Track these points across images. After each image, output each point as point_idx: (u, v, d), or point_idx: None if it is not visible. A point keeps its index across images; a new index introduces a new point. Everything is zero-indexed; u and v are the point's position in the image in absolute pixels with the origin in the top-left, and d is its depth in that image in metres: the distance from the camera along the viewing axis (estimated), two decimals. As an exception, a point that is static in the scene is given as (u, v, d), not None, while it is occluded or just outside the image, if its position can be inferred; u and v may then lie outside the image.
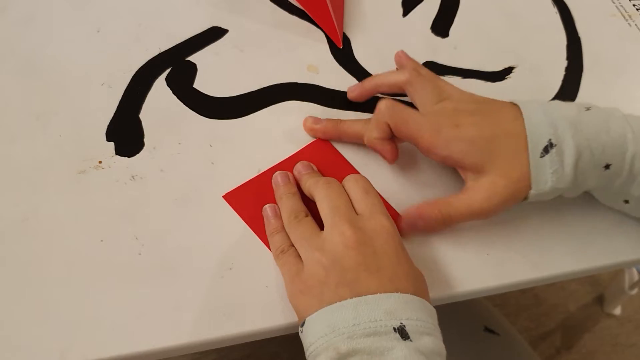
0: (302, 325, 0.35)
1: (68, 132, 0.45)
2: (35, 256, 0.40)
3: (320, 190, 0.39)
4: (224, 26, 0.53)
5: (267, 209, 0.42)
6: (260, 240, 0.41)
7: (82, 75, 0.48)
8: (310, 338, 0.34)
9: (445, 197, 0.40)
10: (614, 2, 0.59)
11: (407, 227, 0.41)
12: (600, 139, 0.38)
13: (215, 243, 0.41)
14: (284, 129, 0.47)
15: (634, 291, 1.08)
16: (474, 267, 0.42)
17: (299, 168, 0.43)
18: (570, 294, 1.15)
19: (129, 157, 0.44)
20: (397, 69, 0.47)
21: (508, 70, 0.52)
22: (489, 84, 0.51)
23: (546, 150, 0.38)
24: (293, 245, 0.39)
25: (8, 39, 0.50)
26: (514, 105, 0.40)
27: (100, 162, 0.44)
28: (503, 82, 0.51)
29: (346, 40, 0.53)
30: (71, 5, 0.53)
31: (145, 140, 0.45)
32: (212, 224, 0.42)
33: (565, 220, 0.44)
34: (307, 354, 0.34)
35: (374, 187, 0.40)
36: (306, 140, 0.46)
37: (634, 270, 1.07)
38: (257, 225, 0.42)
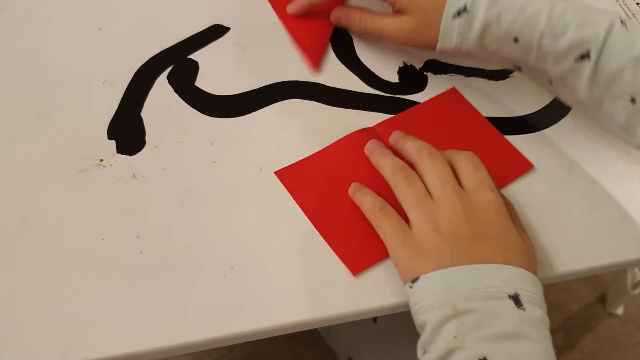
0: (415, 281, 0.36)
1: (69, 130, 0.45)
2: (36, 255, 0.40)
3: (425, 161, 0.40)
4: (225, 24, 0.52)
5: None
6: (310, 222, 0.42)
7: (84, 73, 0.48)
8: (423, 293, 0.36)
9: (373, 13, 0.50)
10: (617, 1, 0.58)
11: (333, 17, 0.52)
12: (512, 13, 0.42)
13: (216, 242, 0.41)
14: (285, 127, 0.47)
15: (637, 291, 1.08)
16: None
17: (395, 136, 0.44)
18: (572, 293, 1.15)
19: (130, 155, 0.44)
20: None
21: (510, 69, 0.52)
22: (492, 82, 0.51)
23: (459, 13, 0.43)
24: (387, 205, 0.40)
25: (9, 37, 0.50)
26: None
27: (101, 160, 0.44)
28: (506, 80, 0.51)
29: (348, 38, 0.53)
30: (72, 2, 0.53)
31: (147, 138, 0.45)
32: (213, 223, 0.42)
33: (567, 220, 0.44)
34: (414, 307, 0.36)
35: (483, 165, 0.40)
36: (308, 138, 0.46)
37: (637, 270, 1.07)
38: (308, 205, 0.42)
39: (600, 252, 0.43)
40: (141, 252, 0.40)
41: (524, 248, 0.38)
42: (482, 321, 0.33)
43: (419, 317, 0.35)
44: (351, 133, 0.46)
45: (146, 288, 0.39)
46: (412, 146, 0.42)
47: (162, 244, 0.40)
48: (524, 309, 0.34)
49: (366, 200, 0.41)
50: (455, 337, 0.33)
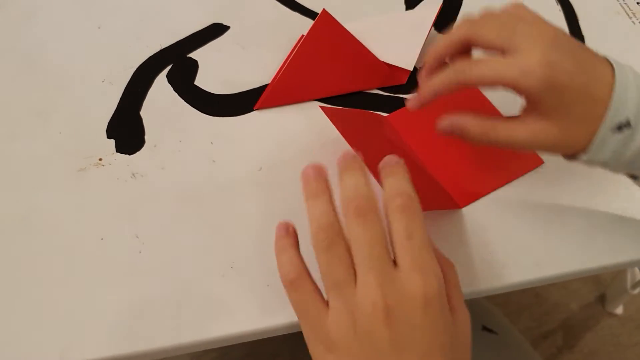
0: None
1: (68, 129, 0.45)
2: (35, 254, 0.39)
3: (354, 224, 0.33)
4: (225, 23, 0.52)
5: (279, 227, 0.35)
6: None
7: (83, 72, 0.48)
8: None
9: (494, 120, 0.39)
10: (617, 0, 0.58)
11: (444, 130, 0.40)
12: None
13: (216, 241, 0.41)
14: (285, 127, 0.47)
15: (636, 290, 1.08)
16: (477, 267, 0.41)
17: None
18: (571, 293, 1.15)
19: (129, 154, 0.44)
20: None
21: (511, 68, 0.52)
22: (492, 82, 0.51)
23: (620, 128, 0.36)
24: (305, 269, 0.34)
25: (8, 35, 0.50)
26: (608, 64, 0.38)
27: (100, 159, 0.44)
28: (506, 80, 0.51)
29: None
30: (72, 1, 0.53)
31: (146, 137, 0.45)
32: (212, 222, 0.41)
33: (568, 220, 0.44)
34: None
35: (421, 223, 0.33)
36: (309, 138, 0.46)
37: (636, 270, 1.07)
38: (353, 140, 0.40)
39: (600, 252, 0.43)
40: (140, 252, 0.40)
41: (452, 341, 0.33)
42: None
43: None
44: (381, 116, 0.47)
45: (145, 288, 0.39)
46: (346, 189, 0.34)
47: (161, 244, 0.40)
48: None
49: (281, 262, 0.34)
50: None
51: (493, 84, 0.37)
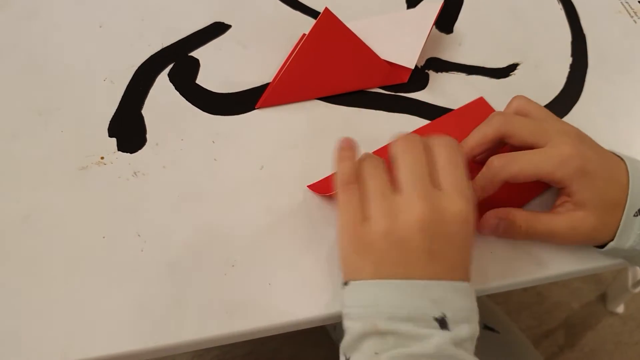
0: (347, 284, 0.35)
1: (70, 128, 0.45)
2: (36, 253, 0.39)
3: (399, 145, 0.37)
4: (226, 21, 0.52)
5: (344, 140, 0.39)
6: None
7: (85, 71, 0.48)
8: (351, 301, 0.35)
9: (536, 212, 0.41)
10: (619, -1, 0.58)
11: (488, 226, 0.41)
12: None
13: (217, 240, 0.41)
14: (286, 125, 0.47)
15: (637, 289, 1.08)
16: (478, 265, 0.41)
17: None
18: (573, 291, 1.15)
19: (131, 153, 0.44)
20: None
21: (512, 67, 0.52)
22: (494, 80, 0.51)
23: None
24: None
25: (10, 34, 0.50)
26: (615, 154, 0.41)
27: (102, 158, 0.44)
28: (507, 78, 0.51)
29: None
30: (74, 0, 0.53)
31: (148, 136, 0.45)
32: (214, 221, 0.41)
33: (570, 218, 0.44)
34: (343, 310, 0.35)
35: (462, 157, 0.37)
36: (310, 136, 0.46)
37: (637, 269, 1.07)
38: None
39: (601, 251, 0.43)
40: (142, 250, 0.40)
41: (471, 260, 0.36)
42: (402, 343, 0.33)
43: (344, 321, 0.35)
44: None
45: (147, 286, 0.39)
46: (397, 136, 0.38)
47: (163, 242, 0.40)
48: (448, 330, 0.33)
49: (341, 167, 0.38)
50: (376, 353, 0.33)
51: (531, 177, 0.39)
